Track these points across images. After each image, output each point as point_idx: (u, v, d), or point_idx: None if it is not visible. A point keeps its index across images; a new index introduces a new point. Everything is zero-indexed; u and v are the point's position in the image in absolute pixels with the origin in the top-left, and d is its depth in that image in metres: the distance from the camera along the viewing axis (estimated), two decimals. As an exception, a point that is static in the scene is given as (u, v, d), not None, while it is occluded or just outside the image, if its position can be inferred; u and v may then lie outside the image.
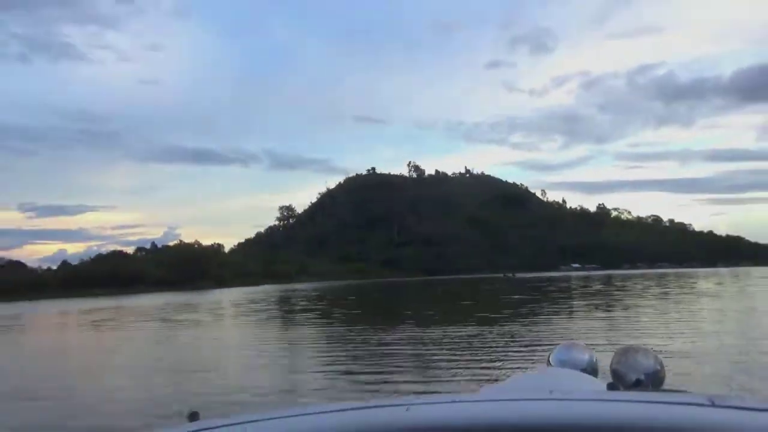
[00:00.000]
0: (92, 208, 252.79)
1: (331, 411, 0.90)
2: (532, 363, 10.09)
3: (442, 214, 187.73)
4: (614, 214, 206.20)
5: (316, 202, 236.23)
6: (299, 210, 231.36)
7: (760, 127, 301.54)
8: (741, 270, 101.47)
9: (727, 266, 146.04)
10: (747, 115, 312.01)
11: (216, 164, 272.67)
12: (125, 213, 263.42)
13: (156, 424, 6.77)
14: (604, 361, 1.78)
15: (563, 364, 1.78)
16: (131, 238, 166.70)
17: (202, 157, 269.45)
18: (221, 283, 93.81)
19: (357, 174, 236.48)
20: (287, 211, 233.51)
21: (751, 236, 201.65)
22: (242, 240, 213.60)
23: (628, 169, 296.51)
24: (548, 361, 1.84)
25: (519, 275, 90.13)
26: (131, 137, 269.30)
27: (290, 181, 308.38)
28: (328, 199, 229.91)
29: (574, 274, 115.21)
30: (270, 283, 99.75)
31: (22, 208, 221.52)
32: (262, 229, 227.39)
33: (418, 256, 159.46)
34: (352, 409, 0.90)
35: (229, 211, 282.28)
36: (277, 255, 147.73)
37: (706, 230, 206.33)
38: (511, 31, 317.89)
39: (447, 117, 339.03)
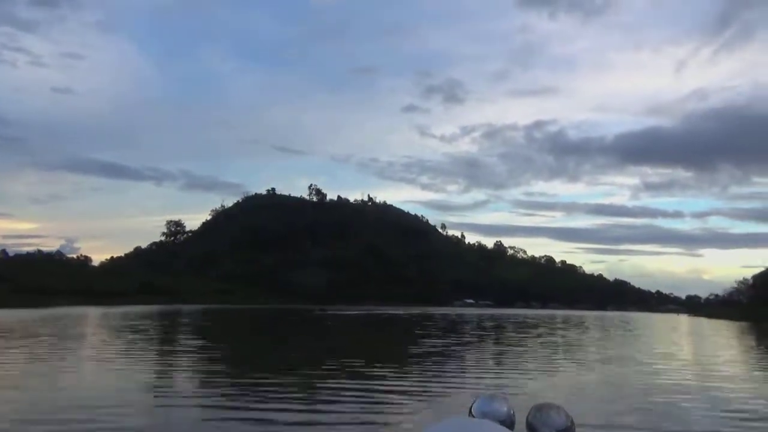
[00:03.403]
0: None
1: None
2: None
3: (339, 241, 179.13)
4: (510, 252, 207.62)
5: (209, 220, 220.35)
6: (193, 227, 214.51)
7: (634, 187, 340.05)
8: (628, 315, 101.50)
9: (615, 310, 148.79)
10: (624, 176, 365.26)
11: (128, 179, 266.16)
12: (23, 222, 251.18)
13: None
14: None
15: (485, 415, 1.80)
16: (26, 249, 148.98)
17: (114, 171, 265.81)
18: None
19: (256, 193, 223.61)
20: (175, 226, 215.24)
21: (635, 283, 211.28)
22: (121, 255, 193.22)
23: (522, 216, 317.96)
24: (470, 411, 1.86)
25: (329, 310, 78.31)
26: (39, 144, 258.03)
27: (204, 203, 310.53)
28: (222, 217, 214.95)
29: (464, 310, 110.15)
30: (92, 303, 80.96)
31: None
32: (144, 245, 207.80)
33: (308, 282, 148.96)
34: None
35: (135, 228, 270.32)
36: (125, 272, 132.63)
37: (596, 274, 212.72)
38: (427, 81, 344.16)
39: (362, 154, 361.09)
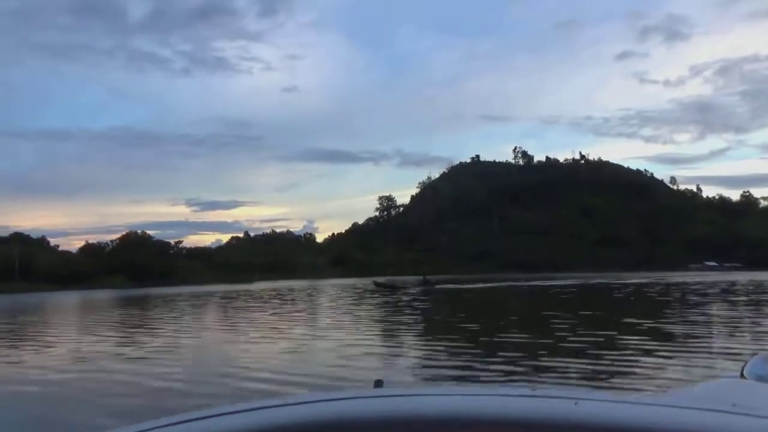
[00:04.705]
0: (243, 203, 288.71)
1: (492, 395, 0.85)
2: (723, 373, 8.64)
3: (548, 204, 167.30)
4: (763, 204, 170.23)
5: (417, 193, 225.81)
6: (404, 202, 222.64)
7: None
8: None
9: None
10: None
11: (350, 163, 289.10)
12: (271, 208, 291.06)
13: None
14: None
15: (760, 378, 1.54)
16: (277, 231, 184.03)
17: (337, 156, 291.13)
18: (167, 280, 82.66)
19: (460, 162, 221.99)
20: (387, 201, 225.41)
21: None
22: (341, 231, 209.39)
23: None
24: (742, 372, 1.62)
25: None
26: (275, 140, 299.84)
27: (416, 178, 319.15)
28: (429, 189, 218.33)
29: (710, 276, 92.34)
30: (292, 278, 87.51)
31: (189, 203, 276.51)
32: (361, 221, 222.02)
33: (511, 250, 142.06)
34: (519, 396, 0.85)
35: (358, 206, 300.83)
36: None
37: None
38: (642, 22, 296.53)
39: (573, 112, 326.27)
